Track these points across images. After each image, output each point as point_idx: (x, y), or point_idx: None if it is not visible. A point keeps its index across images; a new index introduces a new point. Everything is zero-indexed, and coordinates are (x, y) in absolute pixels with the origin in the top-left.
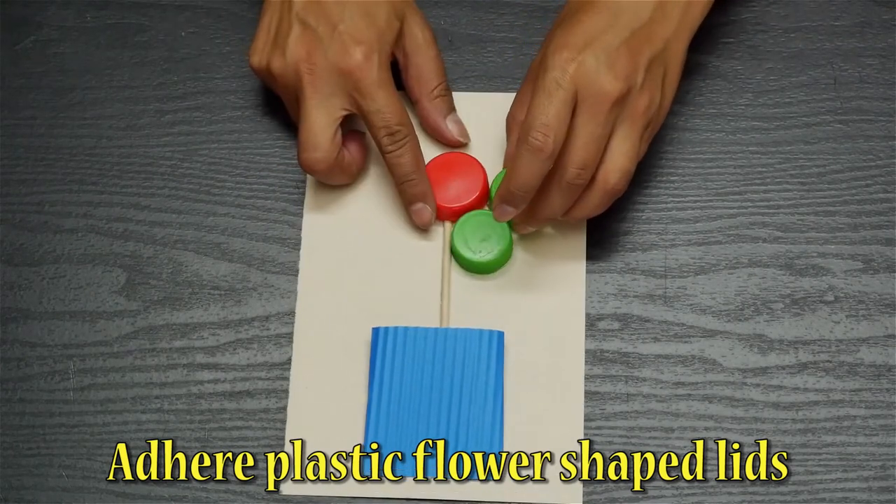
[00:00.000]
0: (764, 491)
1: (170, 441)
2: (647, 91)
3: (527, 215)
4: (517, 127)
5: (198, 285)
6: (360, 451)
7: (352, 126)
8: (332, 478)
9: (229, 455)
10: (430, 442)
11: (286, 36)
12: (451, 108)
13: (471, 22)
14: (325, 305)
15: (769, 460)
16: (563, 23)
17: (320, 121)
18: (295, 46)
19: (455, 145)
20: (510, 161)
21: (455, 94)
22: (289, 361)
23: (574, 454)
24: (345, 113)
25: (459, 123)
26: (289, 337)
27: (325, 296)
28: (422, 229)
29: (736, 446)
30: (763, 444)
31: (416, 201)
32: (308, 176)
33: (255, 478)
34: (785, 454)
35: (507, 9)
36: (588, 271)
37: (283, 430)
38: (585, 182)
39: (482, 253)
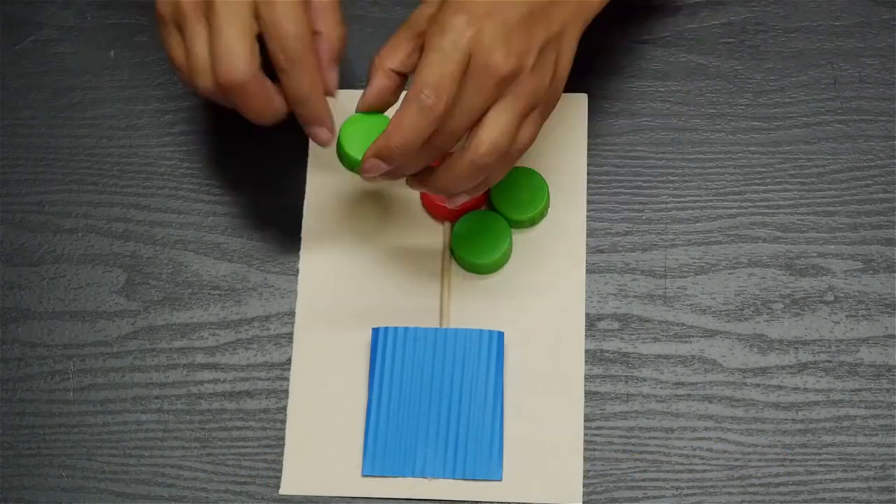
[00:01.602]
0: (764, 491)
1: (170, 441)
2: (536, 73)
3: (382, 147)
4: (382, 72)
5: (198, 285)
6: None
7: None
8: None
9: (229, 455)
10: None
11: None
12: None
13: None
14: (325, 305)
15: (769, 460)
16: None
17: (235, 30)
18: None
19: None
20: (395, 118)
21: None
22: (289, 361)
23: (574, 454)
24: (257, 28)
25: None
26: (289, 337)
27: (325, 296)
28: (322, 146)
29: (736, 446)
30: (763, 444)
31: (311, 123)
32: (308, 176)
33: (254, 478)
34: (784, 454)
35: None
36: (588, 271)
37: (283, 430)
38: (448, 147)
39: (483, 253)
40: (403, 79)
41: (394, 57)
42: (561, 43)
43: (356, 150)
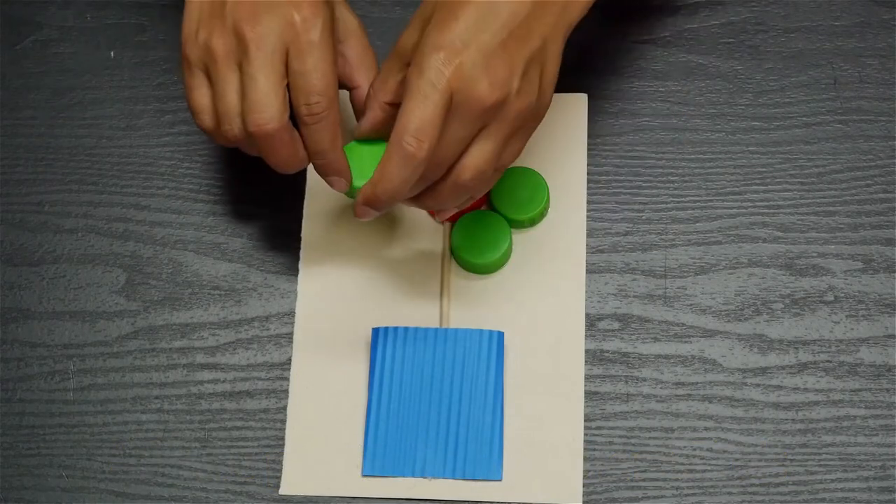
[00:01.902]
0: (764, 491)
1: (170, 441)
2: (522, 96)
3: (370, 196)
4: (377, 104)
5: (198, 285)
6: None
7: None
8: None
9: (229, 455)
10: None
11: (223, 3)
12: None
13: None
14: (325, 305)
15: (769, 460)
16: (438, 16)
17: (269, 79)
18: (234, 11)
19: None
20: (380, 167)
21: None
22: (289, 361)
23: (574, 454)
24: (287, 79)
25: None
26: (289, 337)
27: (325, 296)
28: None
29: (736, 446)
30: (763, 444)
31: (329, 174)
32: (308, 177)
33: (254, 478)
34: (784, 454)
35: None
36: (588, 271)
37: (283, 430)
38: (433, 176)
39: (482, 253)
40: (397, 108)
41: (385, 89)
42: (545, 56)
43: (356, 177)
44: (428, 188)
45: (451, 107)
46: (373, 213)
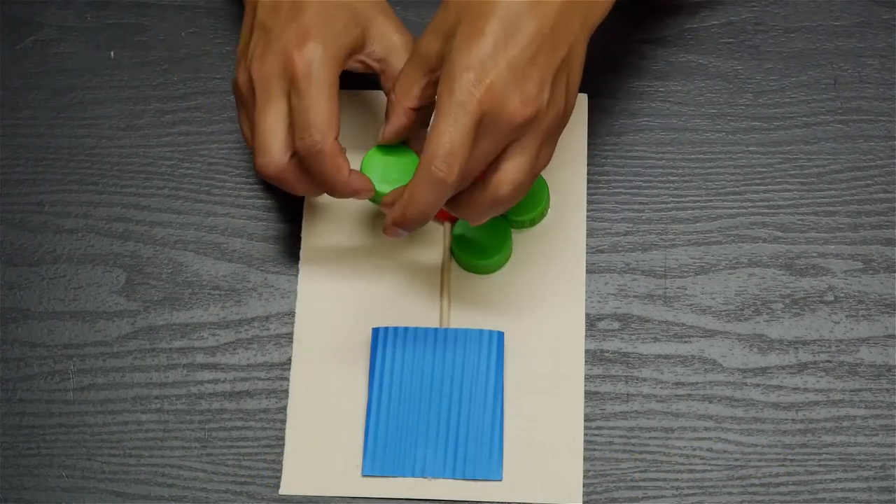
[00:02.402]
0: (764, 491)
1: (170, 441)
2: (553, 106)
3: (399, 213)
4: (400, 110)
5: (198, 285)
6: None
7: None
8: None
9: (229, 455)
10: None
11: (248, 45)
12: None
13: None
14: (325, 305)
15: (769, 460)
16: (464, 30)
17: (269, 121)
18: (253, 50)
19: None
20: (409, 190)
21: None
22: (289, 361)
23: (574, 454)
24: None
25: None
26: (289, 337)
27: (325, 296)
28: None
29: (736, 446)
30: (763, 444)
31: (346, 197)
32: None
33: (254, 478)
34: (784, 454)
35: None
36: (588, 271)
37: (283, 430)
38: (454, 178)
39: (483, 254)
40: (421, 112)
41: (409, 96)
42: (571, 63)
43: (379, 183)
44: (464, 201)
45: (480, 126)
46: (403, 233)
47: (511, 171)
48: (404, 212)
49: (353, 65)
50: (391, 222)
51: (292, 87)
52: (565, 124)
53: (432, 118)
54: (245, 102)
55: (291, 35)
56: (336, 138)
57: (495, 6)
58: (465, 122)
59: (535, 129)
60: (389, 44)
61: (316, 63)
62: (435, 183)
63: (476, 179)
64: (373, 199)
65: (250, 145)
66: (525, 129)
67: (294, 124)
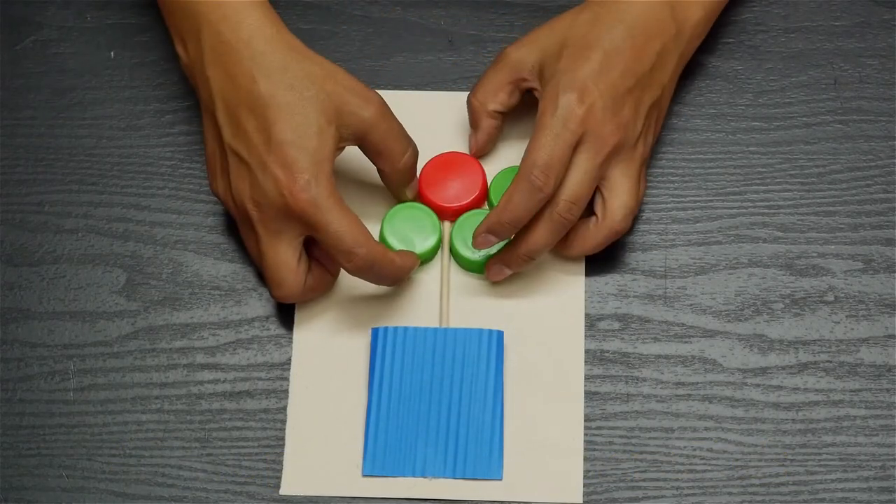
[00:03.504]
0: (764, 491)
1: (170, 441)
2: (644, 137)
3: (508, 252)
4: (487, 114)
5: (198, 285)
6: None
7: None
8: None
9: (229, 455)
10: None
11: (225, 169)
12: (413, 177)
13: (471, 22)
14: (325, 305)
15: (769, 460)
16: (569, 54)
17: (280, 256)
18: (236, 182)
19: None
20: (505, 196)
21: (455, 94)
22: (289, 361)
23: (574, 454)
24: (301, 239)
25: (416, 184)
26: (289, 337)
27: (325, 296)
28: None
29: (736, 446)
30: (763, 444)
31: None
32: None
33: (254, 478)
34: (784, 454)
35: (507, 9)
36: (588, 271)
37: (283, 430)
38: (575, 218)
39: (482, 253)
40: (504, 117)
41: (494, 99)
42: (661, 102)
43: (398, 243)
44: (583, 235)
45: (579, 144)
46: (493, 240)
47: (621, 196)
48: (500, 217)
49: (340, 152)
50: (485, 229)
51: (306, 226)
52: (648, 158)
53: (533, 132)
54: (242, 221)
55: (275, 169)
56: (372, 241)
57: (600, 39)
58: (565, 137)
59: (632, 156)
60: (364, 123)
61: (315, 194)
62: (532, 189)
63: (581, 219)
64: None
65: (258, 264)
66: (622, 155)
67: (332, 251)
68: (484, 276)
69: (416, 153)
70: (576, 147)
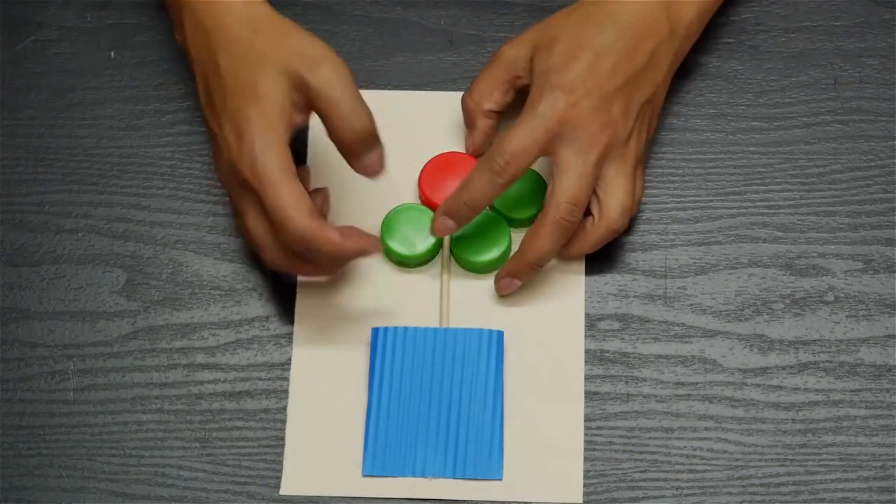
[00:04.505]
0: (764, 491)
1: (170, 441)
2: (636, 135)
3: (516, 263)
4: (482, 113)
5: (198, 285)
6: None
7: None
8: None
9: (229, 455)
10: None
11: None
12: (368, 150)
13: (471, 22)
14: (325, 305)
15: (769, 460)
16: (560, 52)
17: (252, 229)
18: (213, 156)
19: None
20: (466, 179)
21: (455, 94)
22: (289, 361)
23: (574, 454)
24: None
25: (377, 161)
26: (289, 337)
27: (325, 296)
28: None
29: (736, 446)
30: (763, 444)
31: (355, 259)
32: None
33: (254, 478)
34: (784, 454)
35: (507, 9)
36: (588, 271)
37: (283, 430)
38: (577, 220)
39: (482, 253)
40: (500, 116)
41: (490, 99)
42: (654, 102)
43: (399, 246)
44: (581, 234)
45: (568, 141)
46: (450, 223)
47: (617, 195)
48: (457, 197)
49: (299, 120)
50: (443, 211)
51: (257, 194)
52: (648, 155)
53: (514, 124)
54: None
55: (229, 138)
56: (310, 215)
57: (592, 39)
58: (538, 132)
59: (625, 154)
60: (309, 91)
61: (256, 162)
62: (491, 174)
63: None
64: (401, 262)
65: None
66: (615, 153)
67: (272, 222)
68: (484, 276)
69: (368, 127)
70: (567, 145)
